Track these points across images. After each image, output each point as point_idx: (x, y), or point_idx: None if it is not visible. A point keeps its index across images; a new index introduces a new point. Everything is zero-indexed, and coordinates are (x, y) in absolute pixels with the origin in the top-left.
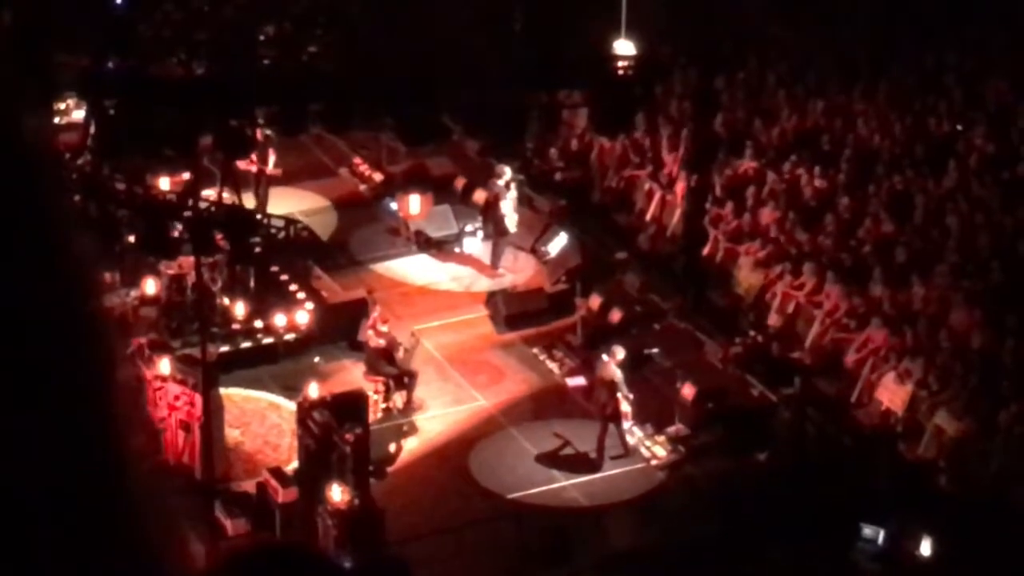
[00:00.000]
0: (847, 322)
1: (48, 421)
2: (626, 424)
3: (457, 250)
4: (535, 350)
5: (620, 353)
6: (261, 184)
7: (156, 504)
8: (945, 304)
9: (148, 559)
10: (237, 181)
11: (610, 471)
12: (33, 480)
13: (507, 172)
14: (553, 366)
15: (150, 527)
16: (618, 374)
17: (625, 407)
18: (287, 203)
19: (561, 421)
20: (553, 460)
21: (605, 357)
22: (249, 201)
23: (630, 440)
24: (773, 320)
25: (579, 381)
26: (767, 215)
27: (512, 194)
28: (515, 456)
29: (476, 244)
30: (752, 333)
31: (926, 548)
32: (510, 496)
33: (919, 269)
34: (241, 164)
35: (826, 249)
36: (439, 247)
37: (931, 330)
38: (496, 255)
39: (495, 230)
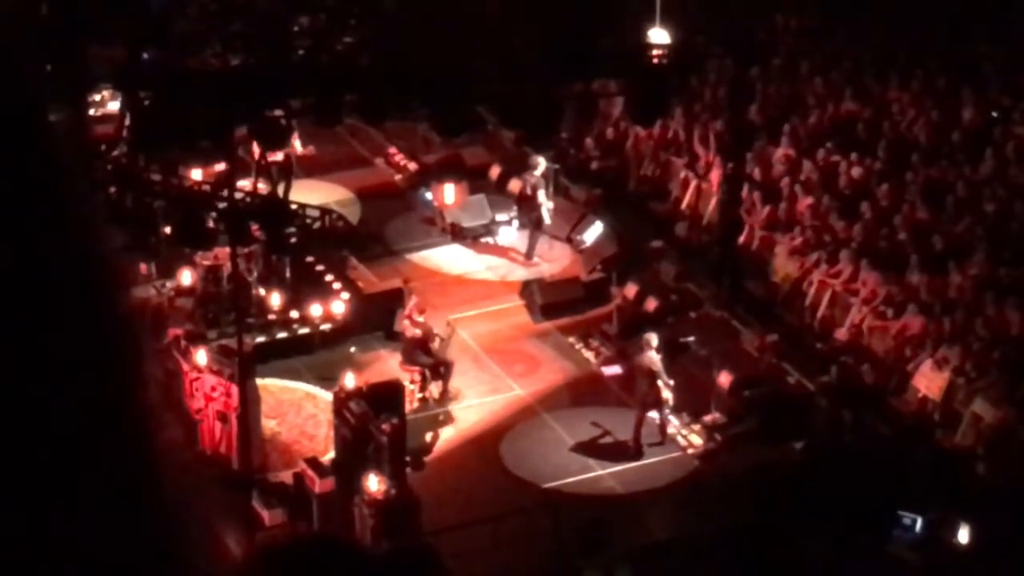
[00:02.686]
0: (884, 310)
1: (76, 416)
2: (664, 411)
3: (492, 240)
4: (571, 339)
5: (654, 340)
6: (287, 169)
7: (188, 497)
8: (982, 291)
9: (179, 552)
10: (278, 171)
11: (646, 460)
12: (61, 473)
13: (542, 163)
14: (589, 355)
15: (180, 521)
16: (656, 361)
17: (666, 394)
18: (322, 194)
19: (597, 410)
20: (589, 449)
21: (642, 346)
22: (282, 190)
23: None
24: (813, 309)
25: (615, 370)
26: (803, 203)
27: (544, 185)
28: (551, 445)
29: (511, 234)
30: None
31: (964, 536)
32: (546, 485)
33: (956, 256)
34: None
35: (863, 237)
36: (474, 237)
37: (968, 317)
38: (531, 246)
39: (531, 222)
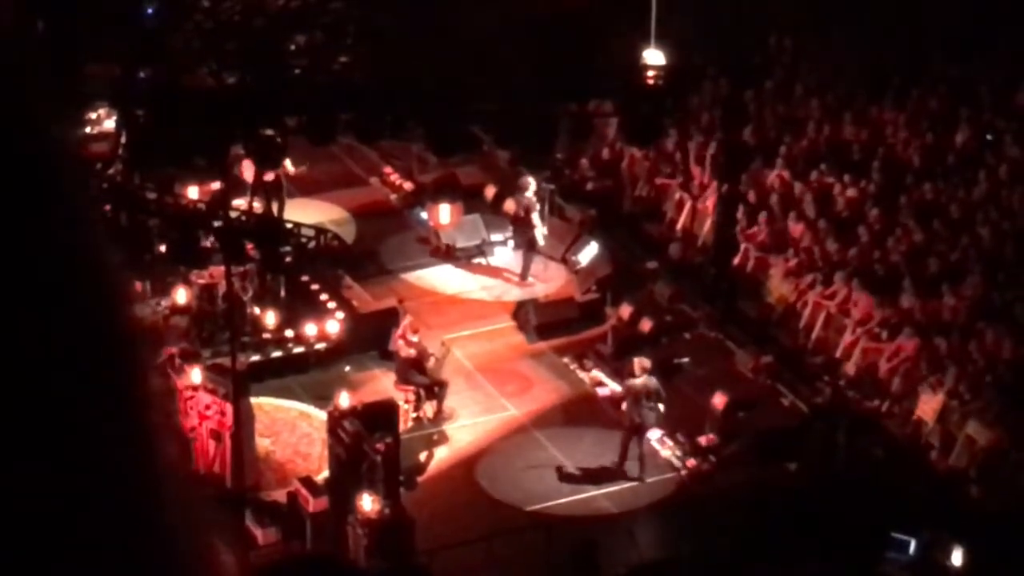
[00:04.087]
0: (878, 332)
1: (80, 435)
2: (657, 433)
3: (487, 260)
4: (565, 359)
5: (647, 363)
6: (277, 188)
7: (189, 515)
8: (976, 314)
9: (180, 571)
10: (267, 191)
11: (639, 481)
12: (64, 493)
13: (532, 183)
14: (583, 375)
15: (183, 539)
16: (652, 382)
17: (661, 409)
18: (317, 213)
19: (591, 430)
20: (582, 469)
21: (635, 371)
22: (275, 209)
23: (660, 450)
24: (807, 330)
25: (608, 390)
26: (797, 225)
27: (537, 205)
28: (544, 465)
29: (506, 253)
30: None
31: (957, 558)
32: (539, 505)
33: (950, 279)
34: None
35: (857, 259)
36: (469, 257)
37: (962, 340)
38: (526, 267)
39: (525, 243)
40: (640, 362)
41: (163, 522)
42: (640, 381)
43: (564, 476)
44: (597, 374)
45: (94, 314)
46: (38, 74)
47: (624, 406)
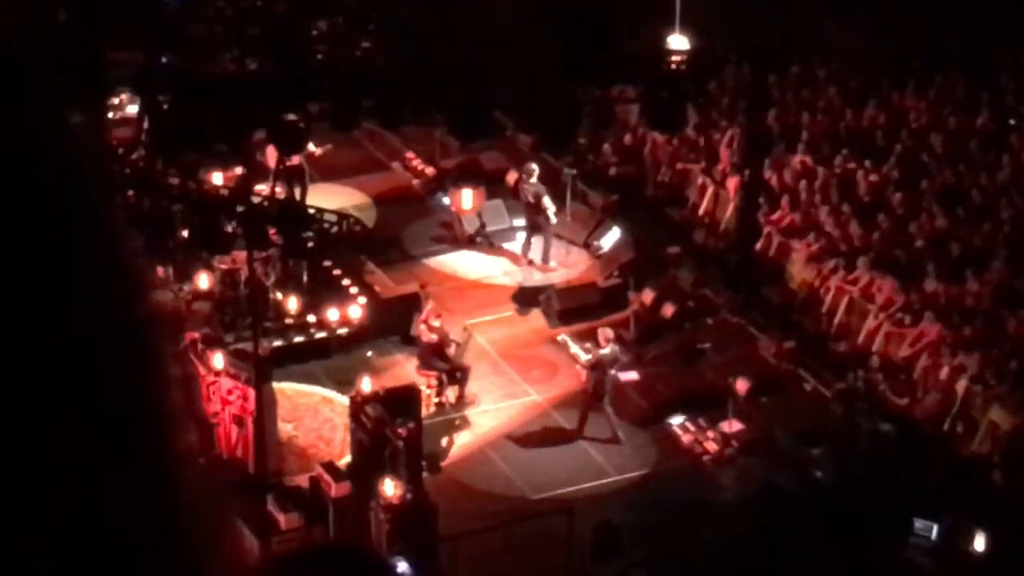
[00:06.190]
0: (901, 317)
1: (98, 422)
2: (680, 419)
3: (509, 245)
4: (588, 344)
5: (610, 333)
6: (300, 174)
7: (207, 502)
8: (1000, 298)
9: (197, 559)
10: (290, 176)
11: (663, 466)
12: (82, 482)
13: (535, 169)
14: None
15: (200, 526)
16: (618, 350)
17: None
18: (340, 198)
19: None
20: (604, 454)
21: (600, 346)
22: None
23: (682, 435)
24: (830, 316)
25: (632, 375)
26: (820, 210)
27: (541, 188)
28: (566, 450)
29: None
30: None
31: (980, 543)
32: (562, 490)
33: (973, 263)
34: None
35: (880, 244)
36: (491, 242)
37: (986, 325)
38: (546, 251)
39: (534, 228)
40: (604, 333)
41: (180, 505)
42: (608, 351)
43: (586, 461)
44: (565, 339)
45: (114, 301)
46: (54, 65)
47: (584, 376)
